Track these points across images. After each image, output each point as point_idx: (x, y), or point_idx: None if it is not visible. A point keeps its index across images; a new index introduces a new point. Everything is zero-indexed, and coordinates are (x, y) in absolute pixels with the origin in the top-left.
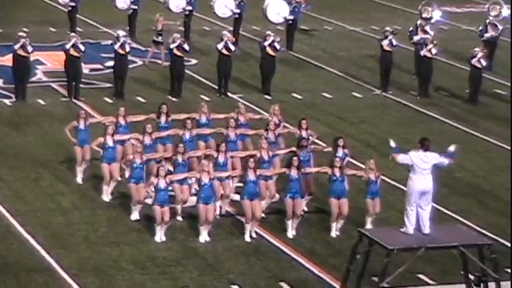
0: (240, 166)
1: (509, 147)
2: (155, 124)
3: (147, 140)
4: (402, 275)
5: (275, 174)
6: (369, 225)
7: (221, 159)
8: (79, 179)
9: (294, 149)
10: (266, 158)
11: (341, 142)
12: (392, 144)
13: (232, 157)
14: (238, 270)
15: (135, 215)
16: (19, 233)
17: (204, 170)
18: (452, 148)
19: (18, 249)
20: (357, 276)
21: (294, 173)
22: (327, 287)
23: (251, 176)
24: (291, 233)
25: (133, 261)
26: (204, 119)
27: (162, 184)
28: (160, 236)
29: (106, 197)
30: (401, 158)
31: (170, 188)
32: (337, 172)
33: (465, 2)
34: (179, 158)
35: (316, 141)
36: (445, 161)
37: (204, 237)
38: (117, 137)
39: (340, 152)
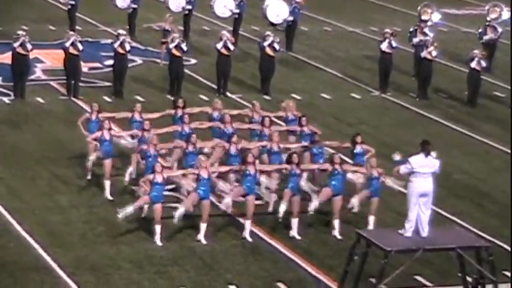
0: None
1: (507, 150)
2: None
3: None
4: (400, 277)
5: (274, 170)
6: (371, 223)
7: (233, 150)
8: (89, 176)
9: (306, 144)
10: (276, 149)
11: (358, 139)
12: (397, 157)
13: (242, 148)
14: (235, 270)
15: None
16: (16, 231)
17: (202, 165)
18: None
19: (15, 248)
20: (354, 278)
21: (295, 168)
22: None
23: (251, 170)
24: (296, 231)
25: (130, 260)
26: (216, 115)
27: (159, 179)
28: (159, 237)
29: (108, 193)
30: (402, 169)
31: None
32: (338, 167)
33: (465, 4)
34: (190, 147)
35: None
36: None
37: (202, 235)
38: (113, 133)
39: (358, 148)
